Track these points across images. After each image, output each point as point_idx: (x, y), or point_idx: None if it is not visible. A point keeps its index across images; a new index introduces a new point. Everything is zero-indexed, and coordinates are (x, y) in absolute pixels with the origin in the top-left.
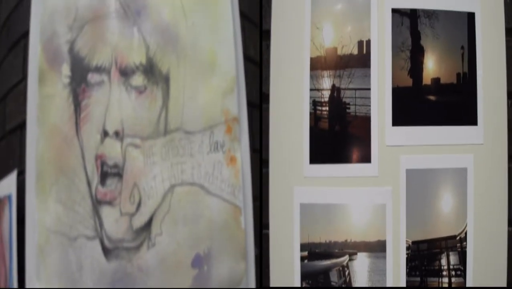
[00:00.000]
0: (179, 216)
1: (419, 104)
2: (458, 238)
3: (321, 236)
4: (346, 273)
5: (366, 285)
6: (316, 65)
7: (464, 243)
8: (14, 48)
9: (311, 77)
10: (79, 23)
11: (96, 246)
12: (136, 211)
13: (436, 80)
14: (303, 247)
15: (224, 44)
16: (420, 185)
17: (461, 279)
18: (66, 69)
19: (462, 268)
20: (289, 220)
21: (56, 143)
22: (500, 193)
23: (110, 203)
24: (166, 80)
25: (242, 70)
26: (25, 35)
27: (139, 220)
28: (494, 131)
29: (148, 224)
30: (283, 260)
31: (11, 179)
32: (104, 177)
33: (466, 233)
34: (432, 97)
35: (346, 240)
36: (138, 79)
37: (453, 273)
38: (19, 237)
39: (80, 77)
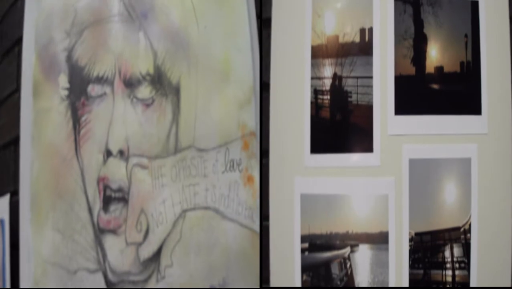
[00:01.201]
0: (191, 244)
1: (422, 93)
2: (462, 229)
3: (322, 227)
4: (348, 265)
5: (368, 278)
6: (317, 53)
7: (468, 235)
8: (8, 54)
9: (312, 65)
10: (78, 28)
11: (99, 279)
12: (143, 240)
13: (439, 69)
14: (303, 238)
15: (240, 50)
16: (423, 175)
17: (465, 272)
18: (63, 80)
19: (466, 261)
20: (290, 211)
21: (53, 164)
22: (505, 184)
23: (114, 231)
24: (176, 91)
25: (258, 79)
26: (20, 41)
27: (147, 250)
28: (499, 121)
29: (157, 255)
30: (284, 252)
31: (3, 203)
32: (107, 202)
33: (470, 225)
34: (435, 86)
35: (347, 231)
36: (145, 91)
37: (457, 265)
38: (13, 265)
39: (80, 89)
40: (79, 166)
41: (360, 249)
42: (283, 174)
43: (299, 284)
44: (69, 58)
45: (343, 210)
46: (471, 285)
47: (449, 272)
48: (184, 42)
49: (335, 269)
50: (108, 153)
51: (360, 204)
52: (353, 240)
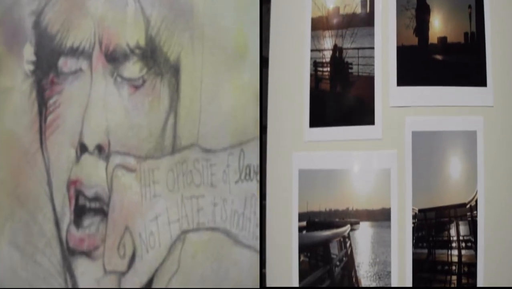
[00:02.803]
0: (193, 277)
1: (425, 63)
2: (468, 206)
3: (321, 204)
4: (348, 244)
5: (369, 258)
6: (318, 25)
7: (475, 212)
8: None
9: (312, 37)
10: None
11: None
12: (127, 268)
13: (442, 39)
14: (301, 216)
15: (256, 25)
16: (426, 148)
17: (471, 252)
18: (29, 52)
19: (473, 239)
20: (287, 187)
21: (12, 159)
22: None
23: (88, 254)
24: (175, 71)
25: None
26: None
27: (133, 283)
28: (505, 93)
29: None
30: (281, 230)
31: None
32: (80, 213)
33: (476, 201)
34: (438, 57)
35: (347, 208)
36: (133, 68)
37: (463, 244)
38: None
39: (48, 64)
40: (45, 163)
41: (360, 227)
42: (281, 149)
43: (296, 265)
44: (37, 24)
45: (343, 185)
46: (478, 265)
47: (455, 252)
48: (186, 9)
49: (334, 249)
50: (83, 148)
51: (360, 179)
52: (353, 217)
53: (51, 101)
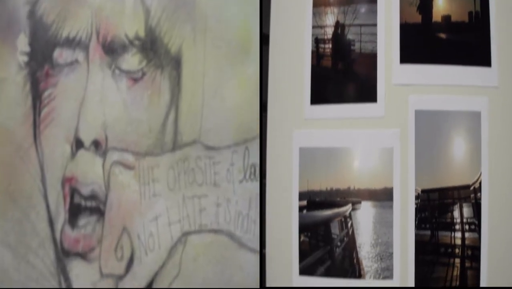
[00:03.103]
0: (195, 282)
1: (429, 42)
2: (472, 188)
3: (321, 183)
4: (349, 224)
5: (371, 238)
6: (319, 1)
7: (479, 194)
8: None
9: (314, 14)
10: None
11: None
12: (125, 271)
13: (446, 18)
14: (302, 195)
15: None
16: (430, 127)
17: (475, 234)
18: (23, 42)
19: (477, 222)
20: (288, 166)
21: (4, 154)
22: None
23: (83, 255)
24: (176, 63)
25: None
26: None
27: (131, 286)
28: (510, 73)
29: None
30: (281, 210)
31: None
32: (75, 213)
33: (480, 183)
34: (442, 35)
35: (349, 187)
36: (132, 60)
37: (467, 227)
38: None
39: (43, 55)
40: (39, 159)
41: (362, 207)
42: (282, 127)
43: (296, 246)
44: (31, 13)
45: (345, 164)
46: (482, 248)
47: (459, 234)
48: None
49: (335, 229)
50: (78, 144)
51: (362, 157)
52: (354, 197)
53: (45, 94)
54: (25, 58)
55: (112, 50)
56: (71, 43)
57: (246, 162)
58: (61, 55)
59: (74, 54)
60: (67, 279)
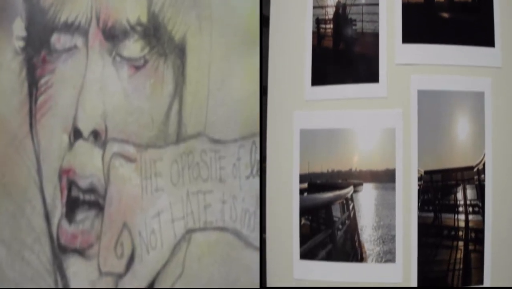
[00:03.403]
0: (199, 282)
1: (432, 21)
2: (475, 169)
3: (322, 165)
4: (350, 206)
5: (373, 221)
6: None
7: (482, 176)
8: None
9: None
10: None
11: None
12: (126, 270)
13: None
14: (302, 178)
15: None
16: (433, 108)
17: (479, 217)
18: (19, 27)
19: (480, 204)
20: (288, 148)
21: None
22: None
23: (81, 252)
24: (180, 52)
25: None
26: None
27: (131, 286)
28: None
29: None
30: (281, 193)
31: None
32: (72, 207)
33: (484, 165)
34: (445, 15)
35: (350, 169)
36: (133, 47)
37: (470, 209)
38: None
39: (40, 40)
40: (34, 149)
41: (364, 189)
42: (282, 109)
43: (297, 229)
44: None
45: (346, 145)
46: (486, 231)
47: (462, 216)
48: None
49: (336, 211)
50: (77, 134)
51: (364, 138)
52: (356, 179)
53: (42, 81)
54: (21, 44)
55: (112, 36)
56: (69, 28)
57: (253, 157)
58: (59, 40)
59: (73, 39)
60: (63, 277)
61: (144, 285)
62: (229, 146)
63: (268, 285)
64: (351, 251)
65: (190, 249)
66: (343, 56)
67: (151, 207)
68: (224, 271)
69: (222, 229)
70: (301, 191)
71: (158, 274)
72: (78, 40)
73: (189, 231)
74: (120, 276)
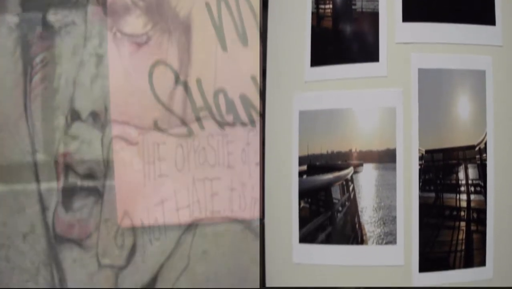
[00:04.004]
0: (206, 276)
1: None
2: (477, 148)
3: (322, 146)
4: (351, 188)
5: (373, 202)
6: None
7: (484, 155)
8: None
9: None
10: None
11: None
12: (127, 262)
13: None
14: (302, 160)
15: None
16: (434, 86)
17: (481, 197)
18: (13, 3)
19: (482, 184)
20: (287, 130)
21: None
22: None
23: (79, 242)
24: (185, 28)
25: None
26: None
27: (133, 280)
28: None
29: (149, 287)
30: (280, 175)
31: None
32: (69, 193)
33: (486, 144)
34: None
35: (350, 150)
36: (135, 23)
37: (472, 189)
38: None
39: (36, 16)
40: (29, 131)
41: (364, 169)
42: (281, 90)
43: (296, 212)
44: None
45: (346, 126)
46: (488, 211)
47: (464, 196)
48: None
49: (336, 193)
50: (74, 115)
51: (364, 118)
52: (356, 160)
53: (38, 59)
54: (15, 20)
55: (113, 11)
56: (67, 2)
57: None
58: (56, 16)
59: (71, 15)
60: (60, 269)
61: (146, 278)
62: (237, 129)
63: (267, 269)
64: (351, 234)
65: (196, 240)
66: (342, 36)
67: (154, 194)
68: (232, 265)
69: (230, 219)
70: (300, 174)
71: (161, 267)
72: (76, 16)
73: (195, 221)
74: (120, 269)
